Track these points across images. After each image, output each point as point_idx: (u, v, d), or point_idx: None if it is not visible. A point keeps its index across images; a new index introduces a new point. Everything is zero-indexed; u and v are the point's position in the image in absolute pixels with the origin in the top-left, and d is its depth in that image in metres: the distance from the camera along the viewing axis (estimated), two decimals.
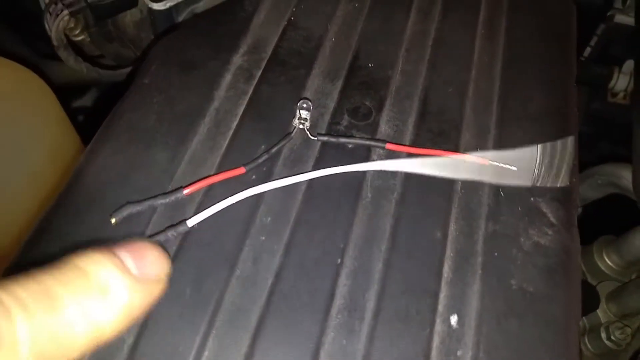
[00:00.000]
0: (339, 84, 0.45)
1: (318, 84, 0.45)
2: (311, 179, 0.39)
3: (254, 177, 0.39)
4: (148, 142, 0.41)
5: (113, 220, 0.35)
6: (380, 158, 0.41)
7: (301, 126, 0.41)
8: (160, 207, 0.37)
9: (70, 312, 0.20)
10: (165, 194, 0.37)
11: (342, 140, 0.41)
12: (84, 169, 0.39)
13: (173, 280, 0.33)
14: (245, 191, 0.37)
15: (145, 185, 0.38)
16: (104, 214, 0.36)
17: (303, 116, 0.41)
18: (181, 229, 0.35)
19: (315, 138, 0.41)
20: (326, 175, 0.39)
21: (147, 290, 0.24)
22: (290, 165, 0.40)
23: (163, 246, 0.26)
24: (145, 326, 0.32)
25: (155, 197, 0.37)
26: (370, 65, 0.47)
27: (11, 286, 0.19)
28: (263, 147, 0.41)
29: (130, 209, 0.36)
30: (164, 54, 0.47)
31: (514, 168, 0.41)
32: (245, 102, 0.44)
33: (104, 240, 0.35)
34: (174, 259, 0.35)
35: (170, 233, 0.35)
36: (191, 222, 0.35)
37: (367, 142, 0.41)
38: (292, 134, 0.41)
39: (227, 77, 0.45)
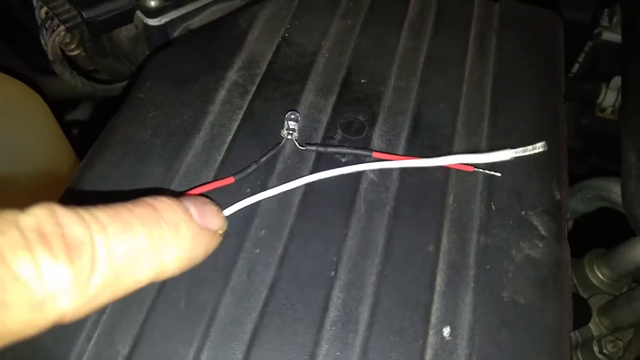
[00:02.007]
0: (332, 99, 0.46)
1: (312, 99, 0.46)
2: (305, 194, 0.39)
3: (248, 190, 0.39)
4: (143, 155, 0.41)
5: None
6: (373, 172, 0.41)
7: (289, 137, 0.42)
8: None
9: (141, 239, 0.22)
10: None
11: (330, 149, 0.42)
12: (79, 182, 0.40)
13: (167, 291, 0.34)
14: (241, 202, 0.38)
15: None
16: None
17: (291, 127, 0.42)
18: None
19: (304, 148, 0.42)
20: (319, 189, 0.40)
21: (207, 240, 0.26)
22: (284, 179, 0.40)
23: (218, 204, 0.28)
24: (140, 337, 0.32)
25: None
26: (363, 81, 0.48)
27: (91, 208, 0.21)
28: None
29: None
30: (159, 69, 0.47)
31: (499, 174, 0.42)
32: (240, 116, 0.44)
33: None
34: None
35: None
36: None
37: (354, 151, 0.42)
38: (281, 144, 0.42)
39: (222, 92, 0.46)
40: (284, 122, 0.42)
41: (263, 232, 0.37)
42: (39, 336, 0.31)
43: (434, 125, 0.45)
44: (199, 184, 0.39)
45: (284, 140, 0.42)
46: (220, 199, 0.38)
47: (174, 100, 0.45)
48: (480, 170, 0.42)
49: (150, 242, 0.22)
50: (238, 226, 0.37)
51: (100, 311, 0.33)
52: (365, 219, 0.39)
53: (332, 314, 0.34)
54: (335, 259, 0.37)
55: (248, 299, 0.34)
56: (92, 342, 0.32)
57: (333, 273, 0.36)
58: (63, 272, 0.19)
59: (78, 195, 0.39)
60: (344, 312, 0.34)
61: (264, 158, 0.41)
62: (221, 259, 0.36)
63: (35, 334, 0.20)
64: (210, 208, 0.27)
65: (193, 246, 0.25)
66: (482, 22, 0.54)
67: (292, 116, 0.42)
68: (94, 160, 0.41)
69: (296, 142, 0.42)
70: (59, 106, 0.64)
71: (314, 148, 0.42)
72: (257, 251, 0.36)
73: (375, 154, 0.42)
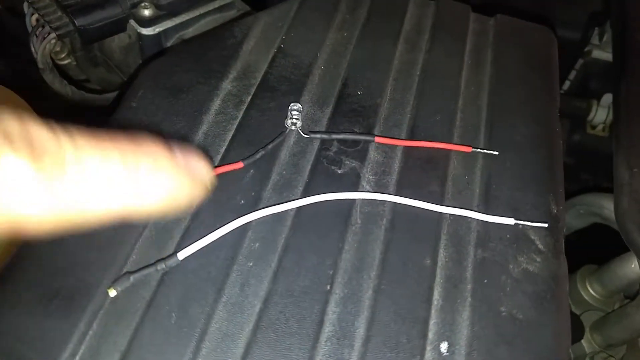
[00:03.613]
0: (328, 111, 0.46)
1: (307, 111, 0.45)
2: (300, 206, 0.39)
3: (242, 202, 0.38)
4: None
5: None
6: (369, 184, 0.41)
7: (293, 127, 0.43)
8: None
9: (115, 161, 0.21)
10: None
11: (334, 136, 0.43)
12: None
13: (159, 304, 0.33)
14: (235, 221, 0.37)
15: None
16: (86, 232, 0.35)
17: (295, 117, 0.43)
18: (171, 262, 0.34)
19: (308, 136, 0.43)
20: (315, 202, 0.39)
21: (191, 185, 0.24)
22: (279, 190, 0.40)
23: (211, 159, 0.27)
24: (128, 353, 0.31)
25: None
26: (359, 93, 0.47)
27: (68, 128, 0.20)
28: (252, 171, 0.40)
29: None
30: (152, 78, 0.46)
31: (496, 152, 0.44)
32: (234, 127, 0.43)
33: (86, 264, 0.34)
34: (160, 283, 0.34)
35: (160, 267, 0.34)
36: (182, 255, 0.34)
37: (356, 137, 0.44)
38: (286, 132, 0.43)
39: (216, 102, 0.45)
40: (284, 118, 0.43)
41: (257, 244, 0.37)
42: (22, 351, 0.30)
43: (430, 138, 0.45)
44: None
45: (287, 130, 0.43)
46: (214, 210, 0.37)
47: (167, 110, 0.44)
48: (478, 149, 0.44)
49: (125, 167, 0.21)
50: (231, 239, 0.36)
51: (86, 326, 0.32)
52: (361, 231, 0.38)
53: (328, 329, 0.33)
54: (331, 272, 0.36)
55: (241, 314, 0.33)
56: (77, 358, 0.31)
57: (328, 287, 0.35)
58: (24, 165, 0.18)
59: None
60: (340, 327, 0.34)
61: (271, 145, 0.42)
62: (214, 271, 0.35)
63: None
64: (199, 160, 0.25)
65: (175, 186, 0.23)
66: (477, 36, 0.54)
67: (295, 107, 0.43)
68: None
69: (301, 132, 0.43)
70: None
71: (318, 136, 0.43)
72: (251, 264, 0.35)
73: (377, 139, 0.43)
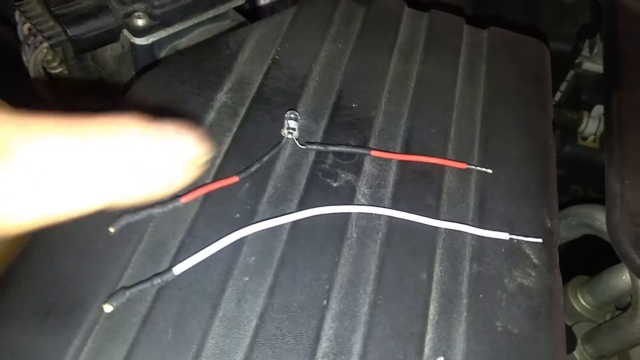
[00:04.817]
0: (324, 124, 0.46)
1: (303, 123, 0.45)
2: (295, 220, 0.39)
3: (237, 215, 0.38)
4: None
5: (112, 230, 0.35)
6: (365, 198, 0.41)
7: (290, 136, 0.43)
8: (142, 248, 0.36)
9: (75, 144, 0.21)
10: (162, 202, 0.37)
11: (330, 148, 0.43)
12: None
13: (155, 320, 0.32)
14: (230, 235, 0.36)
15: None
16: (81, 246, 0.35)
17: (291, 126, 0.43)
18: (167, 276, 0.34)
19: (304, 147, 0.43)
20: (310, 216, 0.39)
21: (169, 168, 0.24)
22: (274, 204, 0.39)
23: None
24: None
25: (152, 205, 0.37)
26: (354, 105, 0.47)
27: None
28: (247, 184, 0.40)
29: (128, 218, 0.36)
30: (146, 90, 0.46)
31: (490, 171, 0.44)
32: (230, 139, 0.43)
33: (81, 279, 0.34)
34: (156, 298, 0.33)
35: (157, 281, 0.33)
36: (178, 270, 0.34)
37: (352, 150, 0.43)
38: (282, 143, 0.43)
39: (211, 114, 0.45)
40: (279, 130, 0.43)
41: (253, 258, 0.36)
42: None
43: (425, 151, 0.45)
44: (187, 206, 0.38)
45: (284, 140, 0.43)
46: (209, 224, 0.37)
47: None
48: (473, 166, 0.44)
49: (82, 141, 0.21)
50: (227, 253, 0.36)
51: (82, 342, 0.31)
52: (357, 245, 0.38)
53: (324, 344, 0.33)
54: (327, 287, 0.36)
55: (237, 329, 0.33)
56: None
57: (325, 302, 0.35)
58: None
59: None
60: (337, 343, 0.33)
61: (267, 156, 0.41)
62: (210, 286, 0.34)
63: None
64: (182, 135, 0.25)
65: (155, 168, 0.23)
66: (471, 48, 0.55)
67: (292, 115, 0.43)
68: None
69: (297, 142, 0.43)
70: None
71: (314, 147, 0.43)
72: (247, 279, 0.35)
73: (373, 153, 0.43)
